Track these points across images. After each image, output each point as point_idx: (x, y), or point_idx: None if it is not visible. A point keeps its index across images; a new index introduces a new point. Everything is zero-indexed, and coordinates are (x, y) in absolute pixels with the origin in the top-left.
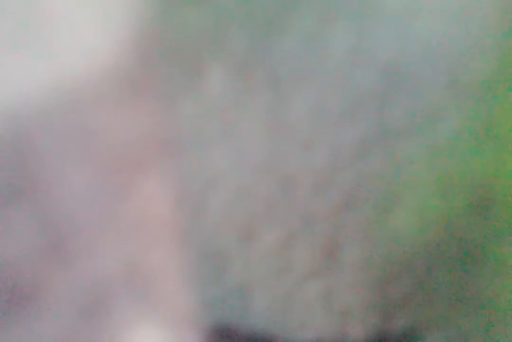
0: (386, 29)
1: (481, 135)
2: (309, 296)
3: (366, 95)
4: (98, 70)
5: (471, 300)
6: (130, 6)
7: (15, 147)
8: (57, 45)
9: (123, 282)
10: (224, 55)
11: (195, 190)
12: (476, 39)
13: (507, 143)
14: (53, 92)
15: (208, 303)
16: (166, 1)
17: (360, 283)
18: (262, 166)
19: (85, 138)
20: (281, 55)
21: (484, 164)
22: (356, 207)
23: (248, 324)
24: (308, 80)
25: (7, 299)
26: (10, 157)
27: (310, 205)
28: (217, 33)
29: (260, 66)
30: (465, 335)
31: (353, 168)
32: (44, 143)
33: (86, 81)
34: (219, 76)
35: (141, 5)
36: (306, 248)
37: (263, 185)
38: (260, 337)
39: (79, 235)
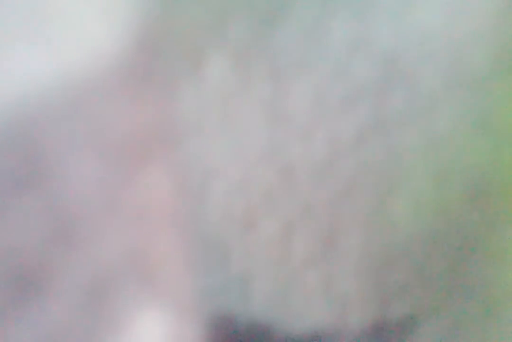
0: (385, 20)
1: (478, 126)
2: (309, 284)
3: (364, 86)
4: (101, 62)
5: (468, 288)
6: (131, 1)
7: (21, 137)
8: (60, 40)
9: (126, 269)
10: (224, 46)
11: (196, 179)
12: (475, 30)
13: (504, 134)
14: (58, 84)
15: (208, 291)
16: None
17: (359, 271)
18: (262, 156)
19: (89, 128)
20: (280, 45)
21: (481, 155)
22: (355, 196)
23: (248, 312)
24: (307, 70)
25: (14, 285)
26: (16, 147)
27: (309, 194)
28: (217, 23)
29: (260, 57)
30: (462, 322)
31: (352, 158)
32: (50, 133)
33: (89, 73)
34: (219, 66)
35: None
36: (305, 237)
37: (263, 174)
38: (260, 325)
39: (84, 223)
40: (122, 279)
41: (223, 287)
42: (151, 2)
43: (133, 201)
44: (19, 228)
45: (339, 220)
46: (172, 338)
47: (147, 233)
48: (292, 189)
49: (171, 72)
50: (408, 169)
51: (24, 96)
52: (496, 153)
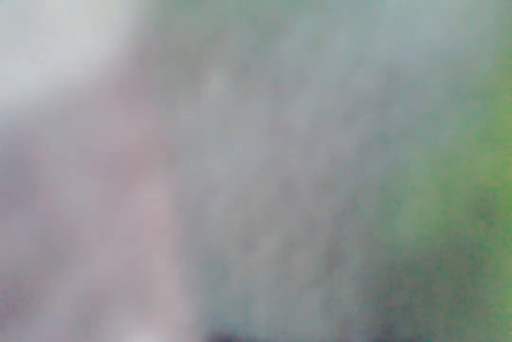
0: (387, 32)
1: (484, 139)
2: (310, 304)
3: (367, 98)
4: (97, 73)
5: (473, 308)
6: (130, 8)
7: (14, 153)
8: (56, 47)
9: (121, 289)
10: (224, 59)
11: (195, 196)
12: (478, 41)
13: (510, 147)
14: (51, 96)
15: (208, 312)
16: (166, 4)
17: (362, 291)
18: (262, 172)
19: (83, 143)
20: (281, 58)
21: (486, 168)
22: (357, 213)
23: (249, 333)
24: (308, 84)
25: (6, 304)
26: (8, 163)
27: (311, 211)
28: (217, 36)
29: (261, 70)
30: None
31: (354, 173)
32: (43, 148)
33: (85, 85)
34: (219, 80)
35: (141, 7)
36: (307, 256)
37: (263, 190)
38: None
39: (78, 241)
40: (117, 297)
41: (223, 307)
42: (150, 14)
43: (128, 218)
44: (12, 245)
45: (341, 237)
46: None
47: (143, 251)
48: (293, 205)
49: (169, 86)
50: (412, 184)
51: (15, 110)
52: (502, 167)
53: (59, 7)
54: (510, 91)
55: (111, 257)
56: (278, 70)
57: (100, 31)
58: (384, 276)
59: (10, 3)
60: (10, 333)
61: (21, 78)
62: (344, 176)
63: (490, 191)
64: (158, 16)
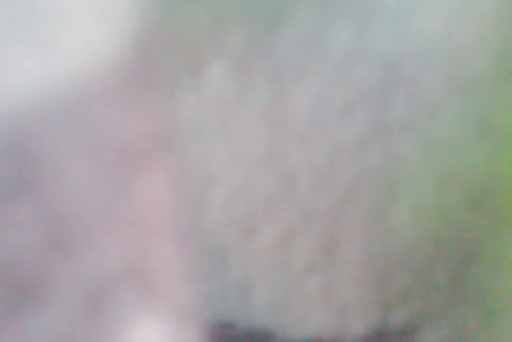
0: (385, 25)
1: (480, 131)
2: (309, 291)
3: (365, 91)
4: (99, 68)
5: (469, 295)
6: (131, 4)
7: (17, 143)
8: (58, 43)
9: (124, 277)
10: (224, 51)
11: (195, 186)
12: (475, 35)
13: (506, 139)
14: (55, 89)
15: (207, 299)
16: None
17: (359, 278)
18: (261, 162)
19: (86, 135)
20: (280, 51)
21: (482, 160)
22: (355, 203)
23: (248, 320)
24: (307, 76)
25: (10, 294)
26: (11, 153)
27: (309, 201)
28: (217, 29)
29: (260, 62)
30: (463, 329)
31: (352, 164)
32: (46, 139)
33: (87, 78)
34: (219, 72)
35: (142, 2)
36: (305, 244)
37: (262, 180)
38: (259, 332)
39: (81, 230)
40: (120, 288)
41: (223, 294)
42: (150, 7)
43: (131, 208)
44: (14, 238)
45: (339, 226)
46: None
47: (146, 241)
48: (292, 195)
49: (170, 78)
50: (408, 175)
51: (19, 102)
52: (497, 159)
53: (62, 5)
54: (506, 86)
55: (114, 244)
56: (277, 62)
57: (103, 26)
58: (381, 263)
59: (14, 0)
60: (17, 321)
61: (26, 72)
62: (342, 166)
63: (485, 182)
64: (159, 10)
